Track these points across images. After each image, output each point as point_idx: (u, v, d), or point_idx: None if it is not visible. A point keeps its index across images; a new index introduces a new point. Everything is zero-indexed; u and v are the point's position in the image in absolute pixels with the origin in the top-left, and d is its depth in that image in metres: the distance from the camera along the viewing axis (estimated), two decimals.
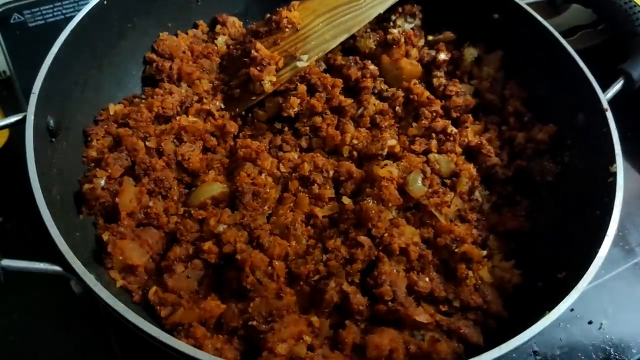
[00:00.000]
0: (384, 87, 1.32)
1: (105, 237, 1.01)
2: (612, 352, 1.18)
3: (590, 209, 1.04)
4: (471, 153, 1.24)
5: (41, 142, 0.98)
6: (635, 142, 1.49)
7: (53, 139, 1.04)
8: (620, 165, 1.04)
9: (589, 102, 1.13)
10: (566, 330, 1.20)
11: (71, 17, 1.53)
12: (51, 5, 1.63)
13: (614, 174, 1.03)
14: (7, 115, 1.57)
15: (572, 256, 0.99)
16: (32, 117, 0.96)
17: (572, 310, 1.22)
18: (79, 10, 1.53)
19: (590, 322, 1.22)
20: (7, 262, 0.83)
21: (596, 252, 0.92)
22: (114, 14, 1.19)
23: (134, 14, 1.23)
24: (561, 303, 0.87)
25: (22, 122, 0.98)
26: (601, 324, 1.22)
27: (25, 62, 1.42)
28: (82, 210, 1.05)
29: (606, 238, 0.94)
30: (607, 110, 1.10)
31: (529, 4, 1.30)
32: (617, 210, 0.98)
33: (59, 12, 1.65)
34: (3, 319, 1.16)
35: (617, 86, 1.15)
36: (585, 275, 0.89)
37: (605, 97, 1.12)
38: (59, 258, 0.86)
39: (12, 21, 1.56)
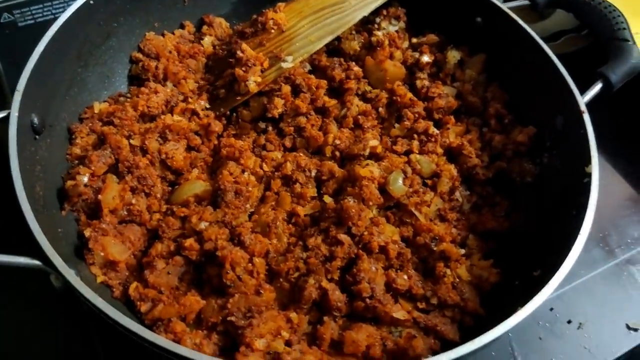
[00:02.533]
0: (368, 88, 1.34)
1: (87, 233, 1.02)
2: (590, 351, 1.20)
3: (566, 209, 1.06)
4: (452, 154, 1.26)
5: (25, 139, 0.99)
6: (617, 145, 1.52)
7: (37, 137, 1.05)
8: (595, 165, 1.05)
9: (568, 104, 1.15)
10: (545, 329, 1.22)
11: None
12: (41, 5, 1.64)
13: (590, 175, 1.04)
14: None
15: (548, 255, 1.01)
16: (16, 115, 0.97)
17: (551, 309, 1.24)
18: None
19: (569, 322, 1.23)
20: None
21: (569, 251, 0.93)
22: (101, 14, 1.20)
23: (120, 14, 1.25)
24: (532, 300, 0.88)
25: (6, 119, 0.99)
26: (580, 323, 1.23)
27: (14, 61, 1.42)
28: (64, 207, 1.06)
29: (579, 237, 0.95)
30: (584, 112, 1.12)
31: (511, 8, 1.32)
32: (592, 210, 1.00)
33: (49, 12, 1.66)
34: None
35: (595, 89, 1.17)
36: (557, 273, 0.91)
37: (583, 100, 1.14)
38: (39, 253, 0.87)
39: (2, 20, 1.57)
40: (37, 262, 0.87)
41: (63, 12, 1.55)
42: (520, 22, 1.27)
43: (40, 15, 1.64)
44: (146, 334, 0.81)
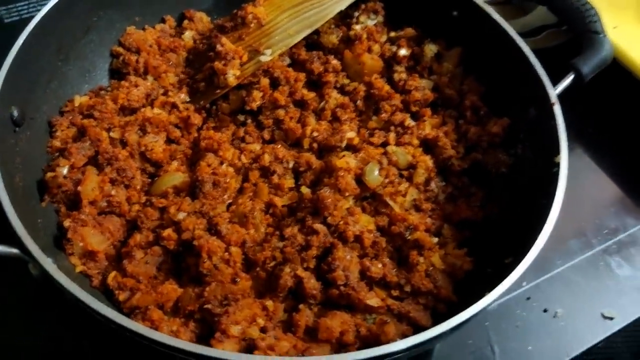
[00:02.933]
0: (346, 81, 1.35)
1: (66, 224, 1.03)
2: (566, 339, 1.22)
3: (537, 198, 1.08)
4: (428, 145, 1.27)
5: (4, 131, 1.01)
6: (597, 139, 1.55)
7: (17, 129, 1.07)
8: (564, 156, 1.07)
9: (540, 96, 1.17)
10: (522, 317, 1.24)
11: None
12: (26, 2, 1.66)
13: (558, 164, 1.06)
14: None
15: (518, 243, 1.03)
16: None
17: (528, 298, 1.27)
18: None
19: (545, 310, 1.26)
20: None
21: (536, 239, 0.96)
22: (81, 7, 1.21)
23: (100, 8, 1.26)
24: (500, 285, 0.90)
25: None
26: (556, 312, 1.25)
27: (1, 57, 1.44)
28: (44, 198, 1.08)
29: (546, 225, 0.97)
30: (554, 104, 1.14)
31: (489, 3, 1.34)
32: (559, 199, 1.02)
33: (34, 9, 1.67)
34: None
35: (567, 81, 1.19)
36: (523, 260, 0.93)
37: (555, 92, 1.16)
38: (17, 241, 0.88)
39: None
40: (15, 251, 0.88)
41: None
42: (494, 15, 1.29)
43: (26, 11, 1.65)
44: (123, 320, 0.83)
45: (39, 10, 1.59)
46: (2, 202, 0.89)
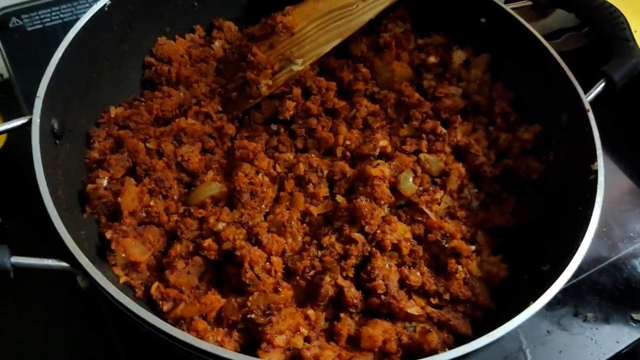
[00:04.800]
0: (376, 89, 1.36)
1: (108, 235, 1.04)
2: (595, 343, 1.23)
3: (573, 205, 1.09)
4: (460, 152, 1.28)
5: (46, 144, 1.01)
6: (619, 141, 1.56)
7: (57, 142, 1.07)
8: (601, 163, 1.08)
9: (572, 103, 1.18)
10: (553, 322, 1.25)
11: (69, 22, 1.58)
12: (49, 10, 1.66)
13: (596, 172, 1.07)
14: (6, 117, 1.60)
15: (556, 250, 1.04)
16: (38, 120, 0.99)
17: (558, 303, 1.27)
18: (76, 15, 1.59)
19: (575, 315, 1.27)
20: (16, 259, 0.87)
21: (578, 246, 0.97)
22: (115, 19, 1.22)
23: (133, 20, 1.26)
24: (544, 294, 0.91)
25: (27, 125, 1.01)
26: (586, 316, 1.27)
27: (24, 65, 1.44)
28: (85, 210, 1.09)
29: (588, 232, 0.98)
30: (589, 110, 1.15)
31: (514, 9, 1.35)
32: (599, 206, 1.03)
33: (57, 17, 1.68)
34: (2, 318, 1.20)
35: (598, 88, 1.20)
36: (567, 268, 0.94)
37: (587, 99, 1.17)
38: (66, 255, 0.89)
39: (10, 25, 1.58)
40: (64, 264, 0.89)
41: (71, 16, 1.60)
42: (524, 22, 1.30)
43: (49, 20, 1.65)
44: (175, 332, 0.83)
45: (62, 18, 1.63)
46: (51, 216, 0.89)
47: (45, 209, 0.91)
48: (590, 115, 1.14)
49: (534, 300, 0.91)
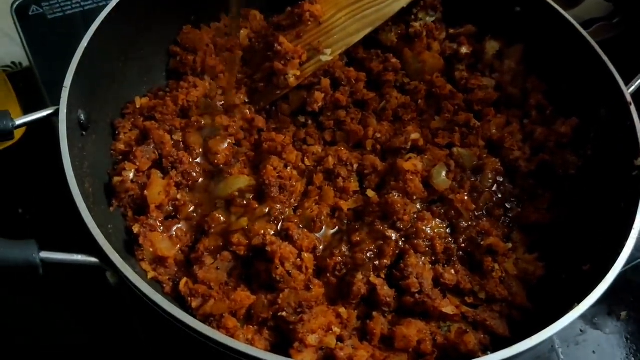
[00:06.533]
0: (406, 80, 1.32)
1: (135, 229, 1.02)
2: (630, 341, 1.20)
3: (614, 202, 1.05)
4: (493, 146, 1.24)
5: (73, 135, 0.99)
6: None
7: (84, 133, 1.05)
8: None
9: (612, 95, 1.13)
10: (587, 321, 1.22)
11: (89, 10, 1.56)
12: None
13: (639, 167, 1.03)
14: (26, 106, 1.57)
15: (597, 249, 1.00)
16: (65, 111, 0.97)
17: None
18: (97, 3, 1.56)
19: (609, 313, 1.24)
20: (45, 255, 0.84)
21: (623, 245, 0.93)
22: (139, 7, 1.19)
23: (157, 7, 1.23)
24: (590, 295, 0.88)
25: (53, 115, 0.99)
26: (621, 315, 1.23)
27: (45, 54, 1.42)
28: (112, 203, 1.06)
29: (633, 230, 0.95)
30: (630, 104, 1.10)
31: None
32: None
33: (78, 5, 1.65)
34: (25, 311, 1.18)
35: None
36: (613, 268, 0.90)
37: (628, 91, 1.13)
38: (95, 250, 0.87)
39: (30, 13, 1.56)
40: (94, 260, 0.87)
41: (92, 4, 1.57)
42: (562, 11, 1.25)
43: (70, 8, 1.63)
44: (208, 331, 0.81)
45: (82, 6, 1.61)
46: (81, 211, 0.87)
47: (73, 202, 0.89)
48: (633, 108, 1.10)
49: (579, 302, 0.87)
